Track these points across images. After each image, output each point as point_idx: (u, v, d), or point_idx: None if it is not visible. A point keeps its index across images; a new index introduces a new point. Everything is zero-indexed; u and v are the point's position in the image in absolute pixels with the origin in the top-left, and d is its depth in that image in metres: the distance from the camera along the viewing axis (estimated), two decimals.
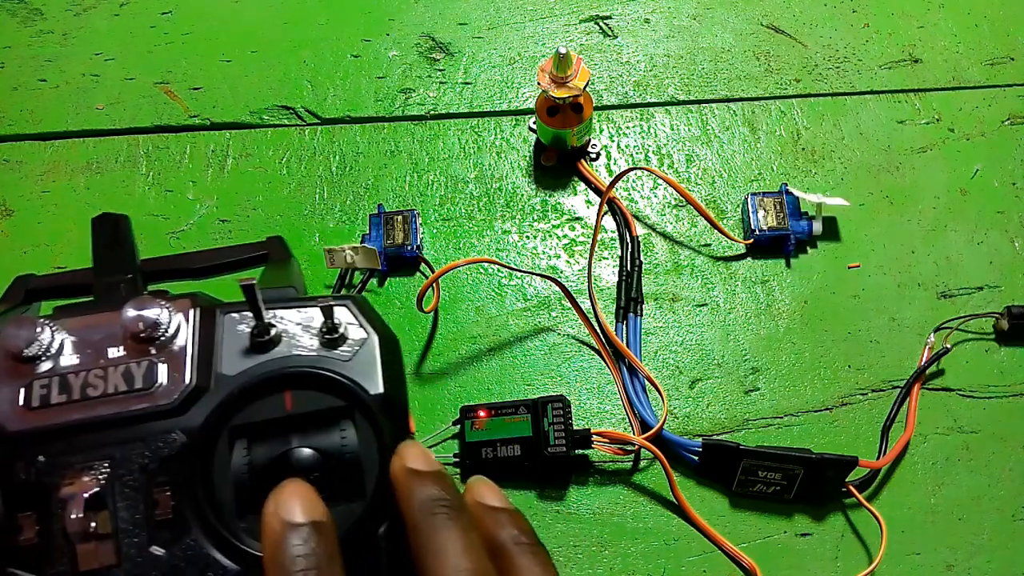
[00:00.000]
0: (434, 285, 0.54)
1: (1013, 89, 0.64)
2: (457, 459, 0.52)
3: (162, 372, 0.28)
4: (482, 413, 0.52)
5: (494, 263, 0.58)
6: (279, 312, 0.30)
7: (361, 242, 0.57)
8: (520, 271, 0.57)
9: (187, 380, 0.28)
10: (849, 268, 0.59)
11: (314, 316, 0.30)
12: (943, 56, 0.66)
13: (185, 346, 0.28)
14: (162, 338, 0.28)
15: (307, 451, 0.27)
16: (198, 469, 0.27)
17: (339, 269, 0.58)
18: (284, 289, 0.32)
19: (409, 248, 0.58)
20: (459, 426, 0.52)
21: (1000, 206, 0.60)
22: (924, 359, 0.55)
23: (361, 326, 0.29)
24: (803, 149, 0.63)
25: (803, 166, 0.62)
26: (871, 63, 0.65)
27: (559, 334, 0.57)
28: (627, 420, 0.54)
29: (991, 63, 0.65)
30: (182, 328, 0.29)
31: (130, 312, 0.28)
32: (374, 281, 0.58)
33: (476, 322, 0.57)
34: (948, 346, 0.55)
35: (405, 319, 0.57)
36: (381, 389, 0.28)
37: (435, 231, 0.60)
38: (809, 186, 0.61)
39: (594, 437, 0.51)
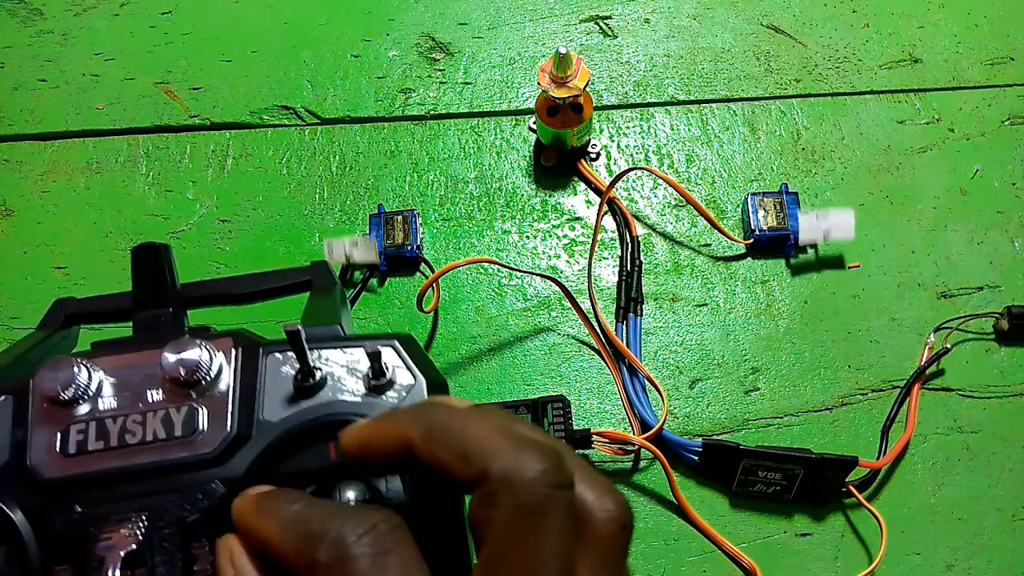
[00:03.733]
0: (434, 285, 0.54)
1: (1013, 89, 0.64)
2: None
3: (202, 418, 0.27)
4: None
5: (494, 263, 0.58)
6: (324, 352, 0.28)
7: (360, 263, 0.57)
8: (520, 271, 0.57)
9: (228, 427, 0.27)
10: (849, 268, 0.59)
11: (360, 358, 0.28)
12: (943, 56, 0.66)
13: (226, 391, 0.27)
14: (203, 382, 0.27)
15: (353, 485, 0.26)
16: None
17: (339, 265, 0.58)
18: (329, 327, 0.30)
19: (409, 248, 0.58)
20: None
21: (1000, 206, 0.60)
22: (924, 359, 0.55)
23: (408, 369, 0.28)
24: (803, 149, 0.63)
25: (803, 166, 0.62)
26: (871, 63, 0.65)
27: (559, 334, 0.57)
28: (627, 420, 0.54)
29: (991, 63, 0.65)
30: (224, 371, 0.28)
31: (170, 356, 0.27)
32: (374, 281, 0.59)
33: (476, 322, 0.57)
34: (948, 346, 0.55)
35: (405, 319, 0.57)
36: None
37: (435, 231, 0.60)
38: (809, 186, 0.61)
39: (594, 437, 0.51)
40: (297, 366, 0.28)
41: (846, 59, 0.66)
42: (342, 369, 0.28)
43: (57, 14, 0.69)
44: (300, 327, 0.26)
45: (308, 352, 0.27)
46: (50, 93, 0.66)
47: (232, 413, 0.27)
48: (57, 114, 0.65)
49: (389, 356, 0.29)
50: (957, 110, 0.64)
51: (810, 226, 0.57)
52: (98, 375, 0.27)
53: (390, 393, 0.28)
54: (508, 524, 0.20)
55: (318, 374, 0.28)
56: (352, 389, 0.28)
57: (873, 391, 0.55)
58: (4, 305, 0.59)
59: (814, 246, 0.59)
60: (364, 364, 0.28)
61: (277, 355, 0.29)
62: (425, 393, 0.28)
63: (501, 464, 0.20)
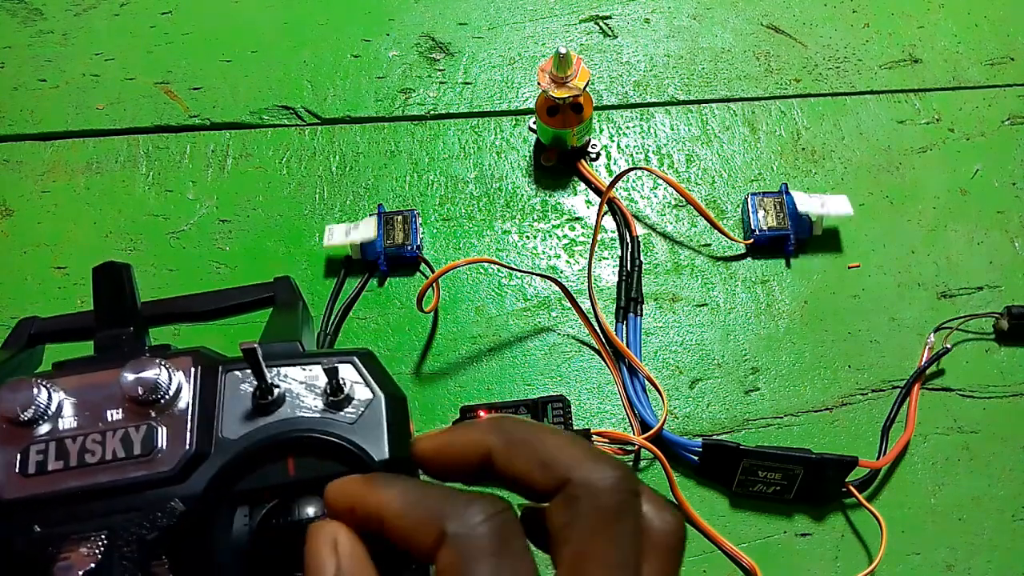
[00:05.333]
0: (434, 285, 0.54)
1: (1013, 89, 0.64)
2: None
3: (161, 437, 0.27)
4: (482, 413, 0.52)
5: (494, 263, 0.58)
6: (283, 370, 0.29)
7: (360, 242, 0.57)
8: (520, 271, 0.57)
9: (187, 445, 0.27)
10: (849, 268, 0.59)
11: (319, 374, 0.29)
12: (943, 56, 0.66)
13: (185, 409, 0.27)
14: (162, 401, 0.27)
15: (312, 499, 0.26)
16: (197, 539, 0.26)
17: (342, 253, 0.58)
18: (289, 344, 0.31)
19: (409, 248, 0.58)
20: None
21: (1000, 206, 0.60)
22: (924, 359, 0.55)
23: (367, 385, 0.29)
24: (803, 149, 0.63)
25: (803, 166, 0.62)
26: (871, 63, 0.65)
27: (559, 334, 0.57)
28: (627, 420, 0.54)
29: (991, 63, 0.65)
30: (183, 389, 0.28)
31: (129, 376, 0.27)
32: (374, 281, 0.59)
33: (476, 322, 0.57)
34: (948, 346, 0.55)
35: (405, 319, 0.57)
36: (386, 454, 0.27)
37: (435, 231, 0.60)
38: (809, 186, 0.61)
39: (594, 437, 0.51)
40: (256, 383, 0.28)
41: (846, 59, 0.66)
42: (300, 386, 0.28)
43: (57, 14, 0.69)
44: (256, 345, 0.27)
45: (266, 370, 0.27)
46: (50, 93, 0.66)
47: (191, 431, 0.27)
48: (57, 114, 0.65)
49: (347, 372, 0.29)
50: (957, 110, 0.64)
51: (806, 200, 0.57)
52: (58, 395, 0.27)
53: (348, 409, 0.28)
54: (592, 524, 0.21)
55: (276, 391, 0.28)
56: (311, 406, 0.28)
57: (873, 391, 0.55)
58: (4, 305, 0.59)
59: (813, 243, 0.59)
60: (322, 380, 0.28)
61: (236, 373, 0.29)
62: (383, 408, 0.28)
63: (582, 472, 0.22)
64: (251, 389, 0.28)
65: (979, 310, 0.57)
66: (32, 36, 0.68)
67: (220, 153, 0.63)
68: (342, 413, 0.28)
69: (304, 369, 0.29)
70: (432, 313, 0.57)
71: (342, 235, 0.57)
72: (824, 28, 0.67)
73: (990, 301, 0.58)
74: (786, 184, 0.59)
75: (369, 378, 0.29)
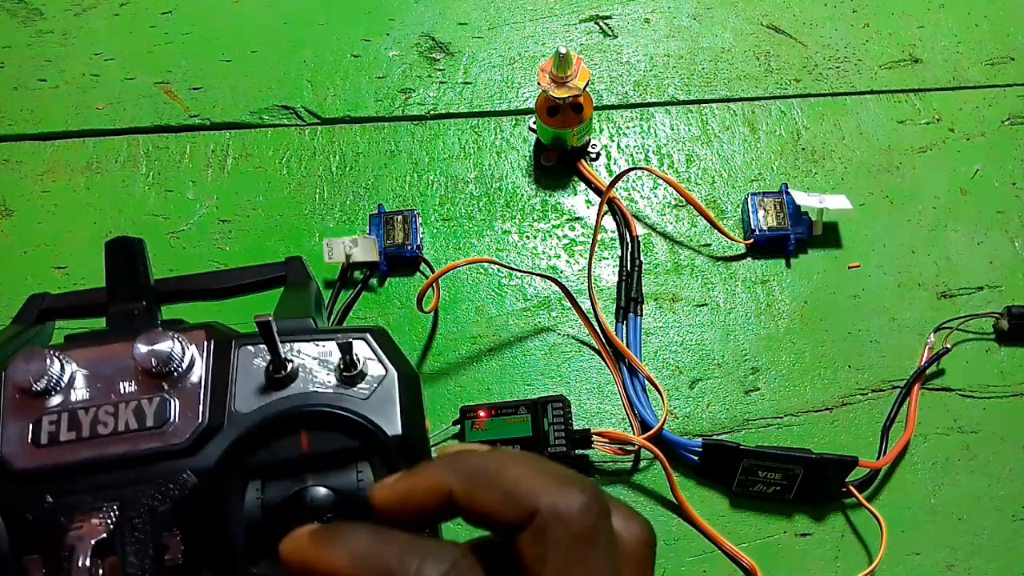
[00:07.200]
0: (434, 285, 0.54)
1: (1013, 89, 0.64)
2: None
3: (174, 409, 0.27)
4: (482, 413, 0.52)
5: (494, 263, 0.58)
6: (296, 345, 0.29)
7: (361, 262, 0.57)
8: (520, 271, 0.57)
9: (200, 418, 0.27)
10: (849, 268, 0.59)
11: (332, 350, 0.29)
12: (943, 56, 0.66)
13: (198, 382, 0.27)
14: (175, 373, 0.27)
15: (322, 491, 0.26)
16: (209, 512, 0.26)
17: (340, 265, 0.58)
18: (302, 320, 0.31)
19: (409, 248, 0.58)
20: (459, 426, 0.52)
21: (1000, 206, 0.60)
22: (924, 359, 0.55)
23: (380, 362, 0.29)
24: (803, 149, 0.63)
25: (803, 166, 0.62)
26: (871, 63, 0.65)
27: (559, 334, 0.57)
28: (627, 420, 0.54)
29: (991, 63, 0.65)
30: (196, 362, 0.28)
31: (142, 347, 0.27)
32: (374, 281, 0.59)
33: (476, 322, 0.57)
34: (948, 346, 0.55)
35: (405, 319, 0.57)
36: (399, 430, 0.27)
37: (435, 231, 0.60)
38: (809, 186, 0.61)
39: (594, 437, 0.51)
40: (269, 358, 0.28)
41: (846, 59, 0.66)
42: (314, 361, 0.28)
43: (57, 14, 0.69)
44: (271, 318, 0.27)
45: (280, 344, 0.27)
46: (50, 93, 0.66)
47: (204, 404, 0.27)
48: (57, 114, 0.65)
49: (361, 348, 0.29)
50: (957, 110, 0.64)
51: (805, 198, 0.57)
52: (71, 367, 0.27)
53: (361, 385, 0.28)
54: (565, 554, 0.21)
55: (289, 366, 0.28)
56: (324, 381, 0.28)
57: (873, 391, 0.55)
58: (4, 305, 0.59)
59: (813, 243, 0.59)
60: (336, 356, 0.28)
61: (249, 347, 0.29)
62: (396, 385, 0.28)
63: (548, 499, 0.21)
64: (264, 364, 0.28)
65: (979, 310, 0.57)
66: (32, 36, 0.68)
67: (220, 153, 0.63)
68: (355, 389, 0.28)
69: (317, 345, 0.29)
70: (432, 313, 0.57)
71: (341, 254, 0.56)
72: (824, 28, 0.67)
73: (990, 301, 0.58)
74: (786, 184, 0.59)
75: (382, 355, 0.29)
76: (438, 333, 0.57)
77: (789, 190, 0.58)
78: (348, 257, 0.56)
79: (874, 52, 0.66)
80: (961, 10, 0.67)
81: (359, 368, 0.28)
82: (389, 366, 0.29)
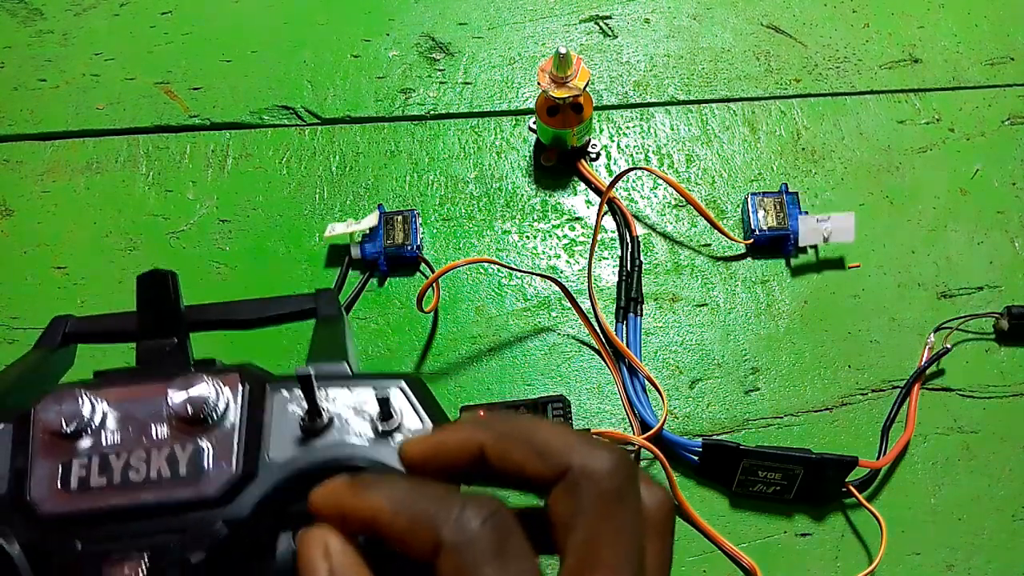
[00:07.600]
0: (434, 285, 0.54)
1: (1013, 89, 0.64)
2: None
3: (208, 458, 0.26)
4: (482, 413, 0.52)
5: (494, 263, 0.58)
6: (331, 391, 0.28)
7: (361, 242, 0.58)
8: (520, 271, 0.57)
9: (234, 467, 0.26)
10: (849, 268, 0.59)
11: (367, 399, 0.28)
12: (943, 56, 0.66)
13: (232, 429, 0.27)
14: (210, 421, 0.27)
15: None
16: (240, 563, 0.25)
17: (340, 243, 0.58)
18: (337, 364, 0.30)
19: (409, 248, 0.58)
20: None
21: (1000, 206, 0.60)
22: (924, 359, 0.55)
23: (416, 413, 0.28)
24: (803, 149, 0.63)
25: (803, 166, 0.62)
26: (871, 63, 0.65)
27: (559, 334, 0.57)
28: (627, 420, 0.54)
29: (991, 63, 0.65)
30: (230, 408, 0.27)
31: (178, 394, 0.27)
32: (374, 281, 0.59)
33: (476, 322, 0.57)
34: (948, 346, 0.55)
35: (405, 319, 0.57)
36: None
37: (435, 231, 0.60)
38: (809, 186, 0.61)
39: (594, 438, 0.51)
40: (304, 405, 0.27)
41: (846, 59, 0.66)
42: (349, 410, 0.28)
43: (57, 14, 0.69)
44: (312, 371, 0.26)
45: (318, 397, 0.27)
46: (50, 93, 0.66)
47: (238, 452, 0.26)
48: (57, 114, 0.65)
49: (396, 398, 0.28)
50: (957, 110, 0.64)
51: (810, 229, 0.57)
52: (101, 407, 0.27)
53: (397, 436, 0.27)
54: (599, 509, 0.21)
55: (325, 415, 0.27)
56: (359, 431, 0.27)
57: (873, 391, 0.55)
58: (4, 305, 0.59)
59: (814, 246, 0.59)
60: (371, 406, 0.28)
61: (284, 392, 0.28)
62: None
63: (580, 458, 0.22)
64: (299, 411, 0.28)
65: (979, 310, 0.57)
66: (32, 36, 0.68)
67: (220, 153, 0.63)
68: (391, 441, 0.27)
69: (352, 392, 0.28)
70: (432, 313, 0.57)
71: (344, 227, 0.57)
72: (824, 28, 0.67)
73: (990, 301, 0.58)
74: (786, 184, 0.59)
75: (419, 407, 0.28)
76: (438, 333, 0.57)
77: (789, 191, 0.58)
78: (350, 231, 0.56)
79: (874, 52, 0.66)
80: (961, 10, 0.67)
81: (396, 420, 0.28)
82: (426, 418, 0.28)
